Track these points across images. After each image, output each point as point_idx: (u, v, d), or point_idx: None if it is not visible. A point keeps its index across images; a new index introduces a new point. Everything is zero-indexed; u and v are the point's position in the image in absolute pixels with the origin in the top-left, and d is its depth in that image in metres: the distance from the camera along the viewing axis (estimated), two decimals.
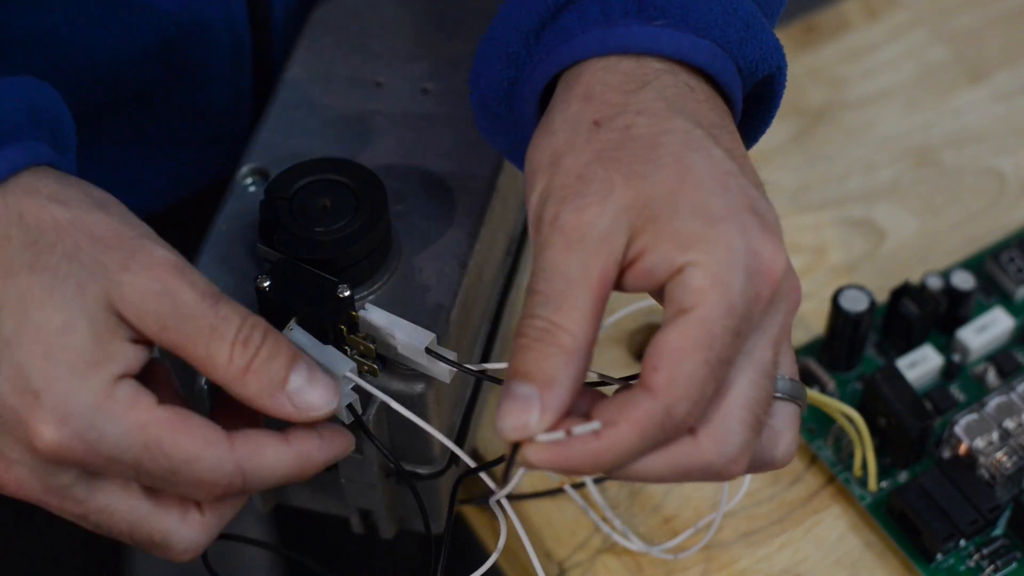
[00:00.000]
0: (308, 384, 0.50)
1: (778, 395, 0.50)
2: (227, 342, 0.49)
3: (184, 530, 0.51)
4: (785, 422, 0.51)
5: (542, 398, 0.47)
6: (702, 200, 0.47)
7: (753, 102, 0.55)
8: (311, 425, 0.51)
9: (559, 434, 0.47)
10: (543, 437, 0.47)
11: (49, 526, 0.95)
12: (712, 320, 0.46)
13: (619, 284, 0.49)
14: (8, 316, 0.48)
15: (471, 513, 0.68)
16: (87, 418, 0.48)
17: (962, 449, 0.64)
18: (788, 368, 0.51)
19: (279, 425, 0.51)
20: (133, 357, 0.49)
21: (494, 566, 0.66)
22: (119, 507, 0.51)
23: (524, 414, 0.47)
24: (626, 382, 0.50)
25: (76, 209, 0.50)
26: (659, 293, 0.48)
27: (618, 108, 0.50)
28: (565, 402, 0.47)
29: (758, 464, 0.51)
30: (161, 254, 0.49)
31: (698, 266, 0.47)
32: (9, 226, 0.49)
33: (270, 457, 0.50)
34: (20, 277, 0.49)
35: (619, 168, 0.48)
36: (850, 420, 0.65)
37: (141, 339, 0.49)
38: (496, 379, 0.56)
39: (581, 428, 0.47)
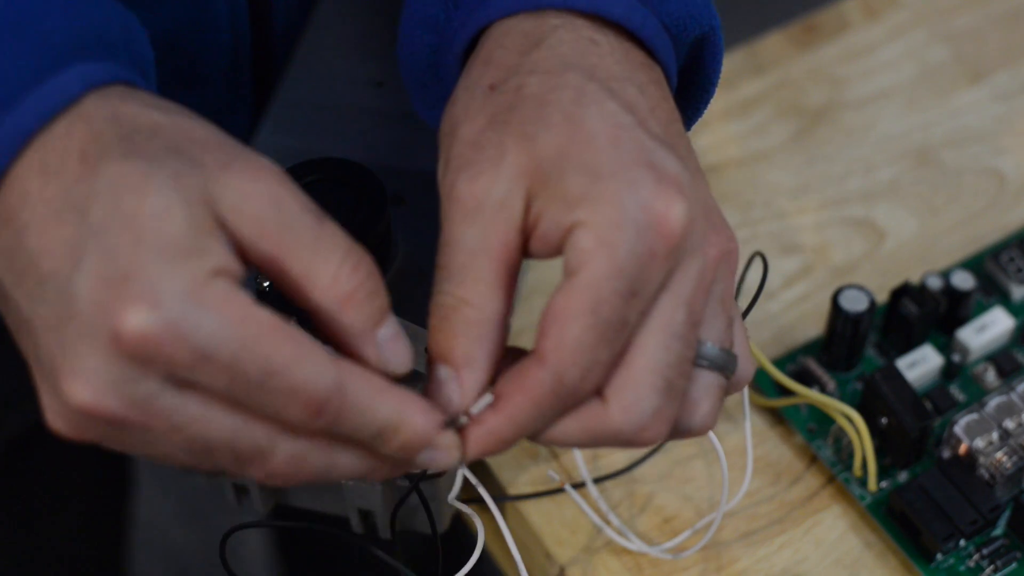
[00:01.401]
0: (395, 337, 0.46)
1: (702, 362, 0.49)
2: (333, 262, 0.45)
3: (289, 440, 0.45)
4: (704, 391, 0.49)
5: (460, 378, 0.46)
6: (590, 157, 0.46)
7: (693, 70, 0.54)
8: (423, 398, 0.47)
9: (462, 419, 0.46)
10: (446, 433, 0.46)
11: (49, 526, 0.95)
12: (597, 281, 0.45)
13: (528, 252, 0.47)
14: (97, 204, 0.44)
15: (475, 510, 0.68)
16: (181, 305, 0.43)
17: (962, 449, 0.64)
18: (719, 335, 0.49)
19: None
20: (230, 260, 0.44)
21: (495, 566, 0.66)
22: (215, 416, 0.44)
23: (445, 397, 0.46)
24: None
25: (175, 115, 0.47)
26: None
27: (512, 70, 0.48)
28: (483, 379, 0.46)
29: (675, 431, 0.49)
30: (266, 162, 0.46)
31: (583, 226, 0.45)
32: (103, 122, 0.45)
33: (373, 390, 0.45)
34: (112, 164, 0.44)
35: (510, 131, 0.47)
36: (850, 420, 0.65)
37: (238, 248, 0.45)
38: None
39: (477, 406, 0.46)
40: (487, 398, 0.46)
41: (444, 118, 0.50)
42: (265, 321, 0.44)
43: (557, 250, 0.47)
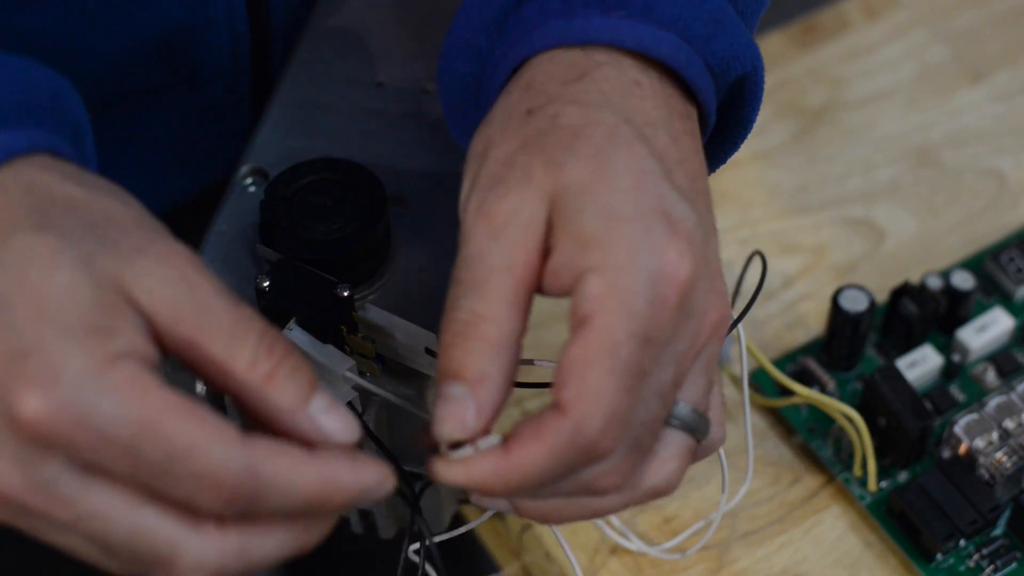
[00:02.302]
0: (331, 407, 0.45)
1: (673, 422, 0.48)
2: (249, 345, 0.44)
3: (195, 541, 0.43)
4: (672, 450, 0.48)
5: (475, 396, 0.45)
6: (610, 197, 0.45)
7: (730, 106, 0.54)
8: (345, 452, 0.45)
9: (468, 450, 0.45)
10: (455, 453, 0.45)
11: None
12: (612, 326, 0.44)
13: (539, 286, 0.47)
14: (3, 278, 0.43)
15: (472, 514, 0.68)
16: (79, 384, 0.41)
17: (962, 449, 0.64)
18: (697, 397, 0.48)
19: None
20: (139, 343, 0.43)
21: (495, 566, 0.66)
22: (116, 510, 0.43)
23: (460, 415, 0.45)
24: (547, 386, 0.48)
25: (93, 191, 0.46)
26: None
27: (552, 98, 0.48)
28: (498, 398, 0.45)
29: (637, 489, 0.48)
30: (180, 248, 0.45)
31: (594, 271, 0.45)
32: (17, 193, 0.44)
33: (288, 465, 0.43)
34: (21, 236, 0.43)
35: (540, 155, 0.46)
36: (850, 420, 0.65)
37: (154, 333, 0.44)
38: None
39: (483, 442, 0.45)
40: (495, 438, 0.45)
41: (477, 138, 0.49)
42: (171, 403, 0.42)
43: (566, 290, 0.46)
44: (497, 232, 0.46)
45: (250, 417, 0.45)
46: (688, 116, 0.50)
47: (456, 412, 0.45)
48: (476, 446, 0.45)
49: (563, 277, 0.46)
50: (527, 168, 0.46)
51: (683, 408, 0.48)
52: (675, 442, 0.48)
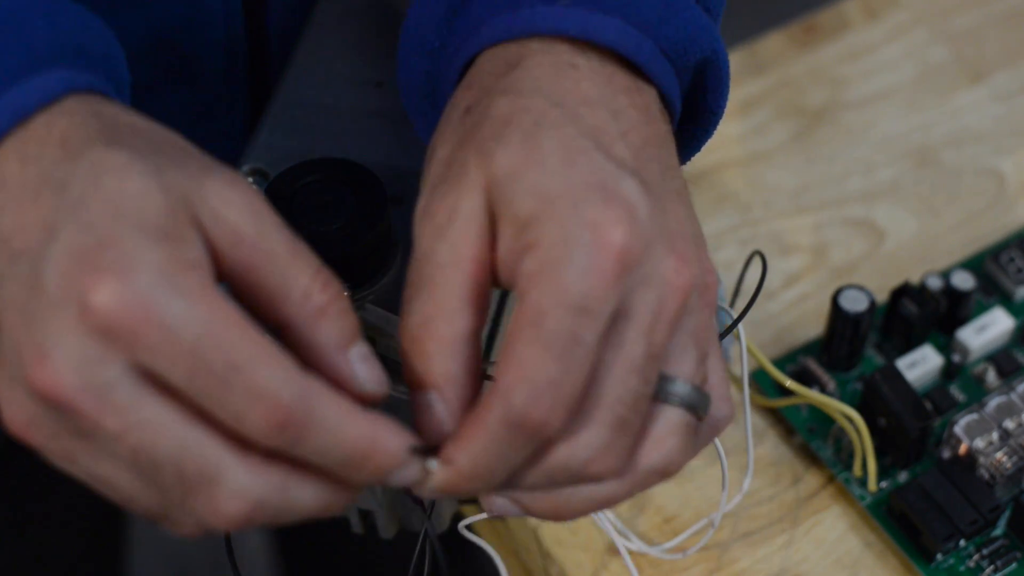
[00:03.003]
0: (369, 358, 0.45)
1: (670, 399, 0.46)
2: (306, 276, 0.44)
3: (241, 467, 0.42)
4: (668, 428, 0.46)
5: (443, 399, 0.45)
6: (541, 179, 0.45)
7: (701, 93, 0.53)
8: (397, 423, 0.45)
9: (431, 462, 0.45)
10: (428, 465, 0.45)
11: (49, 526, 0.95)
12: (539, 299, 0.43)
13: (494, 280, 0.46)
14: (76, 182, 0.43)
15: (472, 513, 0.68)
16: (153, 280, 0.41)
17: (962, 449, 0.64)
18: (688, 371, 0.47)
19: None
20: (206, 259, 0.43)
21: (495, 566, 0.66)
22: (169, 422, 0.42)
23: (436, 422, 0.45)
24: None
25: (155, 124, 0.46)
26: None
27: (486, 91, 0.48)
28: (466, 394, 0.45)
29: (637, 471, 0.47)
30: (242, 177, 0.45)
31: (529, 250, 0.44)
32: (85, 115, 0.45)
33: (341, 410, 0.43)
34: (94, 149, 0.43)
35: (472, 148, 0.46)
36: (850, 420, 0.65)
37: (212, 254, 0.44)
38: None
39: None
40: (432, 462, 0.45)
41: (430, 143, 0.49)
42: (236, 318, 0.42)
43: (513, 278, 0.45)
44: (440, 230, 0.46)
45: (293, 353, 0.44)
46: (637, 91, 0.50)
47: (430, 421, 0.45)
48: (431, 464, 0.45)
49: (508, 264, 0.45)
50: (463, 164, 0.46)
51: (677, 384, 0.46)
52: (670, 419, 0.47)
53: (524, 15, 0.49)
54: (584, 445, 0.45)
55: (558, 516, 0.48)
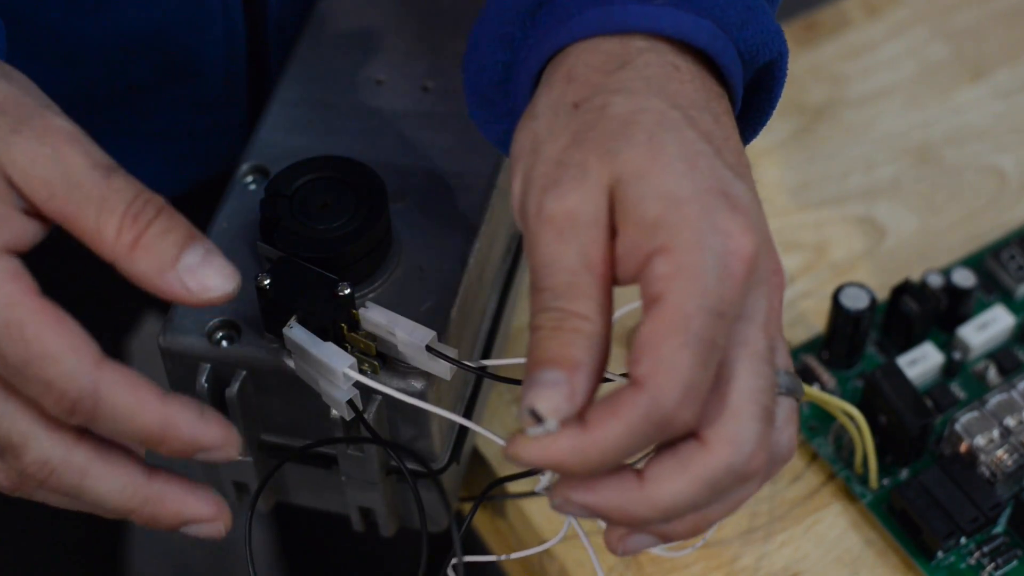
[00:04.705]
0: (204, 262, 0.46)
1: (778, 390, 0.49)
2: (117, 214, 0.46)
3: (46, 440, 0.46)
4: (785, 415, 0.49)
5: (570, 382, 0.45)
6: (669, 182, 0.46)
7: (754, 91, 0.54)
8: (197, 407, 0.47)
9: (549, 424, 0.45)
10: (532, 431, 0.45)
11: (49, 525, 0.95)
12: (683, 302, 0.45)
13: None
14: None
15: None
16: None
17: (963, 447, 0.64)
18: (782, 361, 0.50)
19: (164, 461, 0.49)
20: (21, 228, 0.46)
21: (495, 566, 0.66)
22: None
23: (554, 397, 0.45)
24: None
25: None
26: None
27: (597, 88, 0.49)
28: (591, 387, 0.46)
29: (771, 461, 0.49)
30: (58, 123, 0.47)
31: (661, 252, 0.45)
32: None
33: (132, 400, 0.45)
34: None
35: (593, 148, 0.47)
36: (851, 418, 0.65)
37: (32, 211, 0.46)
38: (497, 376, 0.56)
39: (550, 425, 0.45)
40: (552, 423, 0.45)
41: (523, 135, 0.49)
42: (40, 310, 0.45)
43: (633, 276, 0.47)
44: (565, 234, 0.46)
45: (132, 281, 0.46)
46: (723, 96, 0.51)
47: (550, 394, 0.45)
48: (546, 428, 0.45)
49: (630, 263, 0.46)
50: (582, 164, 0.47)
51: (780, 374, 0.49)
52: (784, 407, 0.49)
53: (618, 11, 0.50)
54: (744, 440, 0.46)
55: (696, 531, 0.49)
